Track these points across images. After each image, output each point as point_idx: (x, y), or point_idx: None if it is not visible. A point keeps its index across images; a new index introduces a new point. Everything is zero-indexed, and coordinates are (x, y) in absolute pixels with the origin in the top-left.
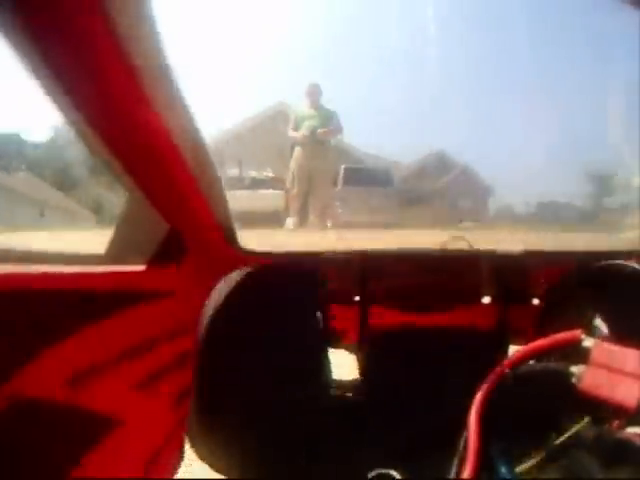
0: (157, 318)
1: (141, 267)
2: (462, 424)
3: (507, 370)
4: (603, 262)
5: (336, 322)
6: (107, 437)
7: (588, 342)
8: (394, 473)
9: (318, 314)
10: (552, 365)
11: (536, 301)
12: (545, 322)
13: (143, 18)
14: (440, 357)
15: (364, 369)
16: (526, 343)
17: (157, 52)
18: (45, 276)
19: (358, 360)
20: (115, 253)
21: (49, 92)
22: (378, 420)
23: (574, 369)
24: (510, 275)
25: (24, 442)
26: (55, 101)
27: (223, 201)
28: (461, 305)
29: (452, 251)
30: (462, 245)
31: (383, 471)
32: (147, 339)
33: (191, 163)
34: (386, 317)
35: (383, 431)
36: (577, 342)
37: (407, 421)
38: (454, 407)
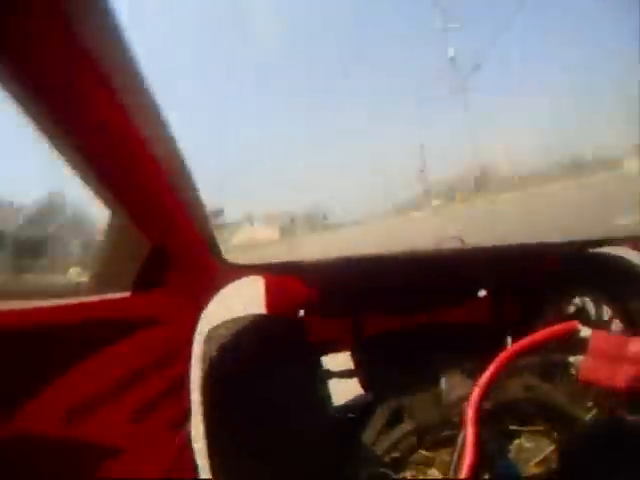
0: (147, 346)
1: (126, 293)
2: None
3: (504, 364)
4: (598, 251)
5: (329, 328)
6: (107, 468)
7: (585, 332)
8: (390, 472)
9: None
10: (550, 357)
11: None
12: (542, 311)
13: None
14: (438, 356)
15: (361, 374)
16: (525, 333)
17: (131, 65)
18: (30, 312)
19: (355, 365)
20: (99, 279)
21: (31, 114)
22: (377, 420)
23: (572, 359)
24: (505, 267)
25: (23, 475)
26: (36, 121)
27: (203, 213)
28: (456, 301)
29: (445, 250)
30: (455, 244)
31: (380, 470)
32: (139, 368)
33: (170, 175)
34: (381, 320)
35: (381, 429)
36: (574, 332)
37: (407, 419)
38: (454, 402)
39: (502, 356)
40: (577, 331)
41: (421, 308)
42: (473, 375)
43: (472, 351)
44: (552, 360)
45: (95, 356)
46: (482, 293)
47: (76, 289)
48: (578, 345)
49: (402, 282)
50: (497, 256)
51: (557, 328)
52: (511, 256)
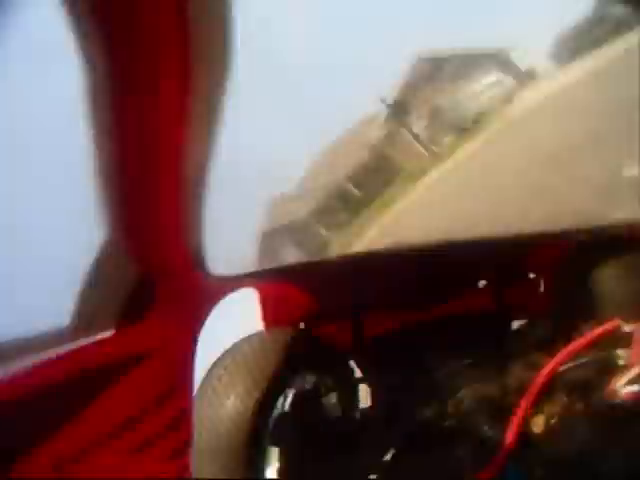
0: (141, 384)
1: (109, 332)
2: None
3: (554, 371)
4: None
5: (329, 329)
6: None
7: (628, 327)
8: None
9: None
10: (598, 355)
11: (532, 275)
12: (553, 302)
13: None
14: (441, 350)
15: (362, 374)
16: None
17: None
18: (15, 377)
19: (356, 365)
20: (81, 319)
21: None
22: (378, 420)
23: (620, 352)
24: (506, 256)
25: None
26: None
27: (198, 218)
28: (459, 293)
29: (445, 241)
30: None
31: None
32: (135, 409)
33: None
34: (381, 319)
35: (383, 430)
36: (617, 329)
37: (408, 418)
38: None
39: (551, 364)
40: (620, 327)
41: (421, 304)
42: (478, 364)
43: (476, 341)
44: (600, 357)
45: (88, 407)
46: (483, 283)
47: (59, 336)
48: (624, 339)
49: (400, 277)
50: (497, 246)
51: (602, 329)
52: (511, 245)
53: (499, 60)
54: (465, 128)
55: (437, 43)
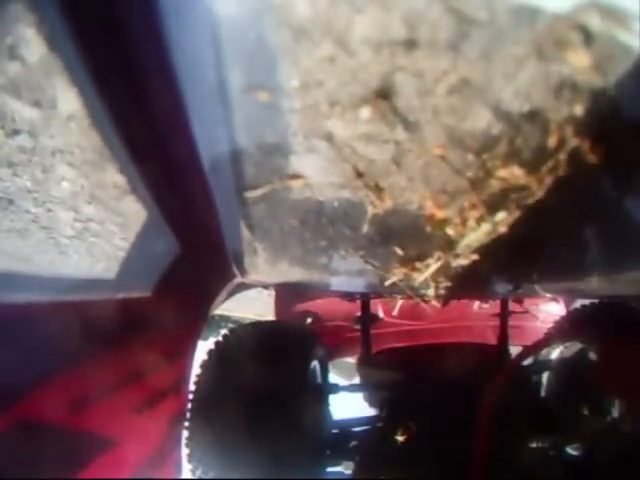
0: (155, 345)
1: (146, 293)
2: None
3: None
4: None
5: (337, 338)
6: (103, 457)
7: None
8: None
9: (316, 367)
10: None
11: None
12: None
13: None
14: (443, 372)
15: (366, 389)
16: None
17: None
18: (55, 305)
19: (360, 377)
20: (123, 278)
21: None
22: (379, 433)
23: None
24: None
25: (26, 461)
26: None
27: (236, 223)
28: (462, 319)
29: None
30: None
31: None
32: (145, 365)
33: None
34: (388, 337)
35: (385, 445)
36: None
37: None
38: (457, 423)
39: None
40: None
41: (427, 320)
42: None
43: (477, 371)
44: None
45: (106, 351)
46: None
47: (101, 285)
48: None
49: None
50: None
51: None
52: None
53: None
54: None
55: None
